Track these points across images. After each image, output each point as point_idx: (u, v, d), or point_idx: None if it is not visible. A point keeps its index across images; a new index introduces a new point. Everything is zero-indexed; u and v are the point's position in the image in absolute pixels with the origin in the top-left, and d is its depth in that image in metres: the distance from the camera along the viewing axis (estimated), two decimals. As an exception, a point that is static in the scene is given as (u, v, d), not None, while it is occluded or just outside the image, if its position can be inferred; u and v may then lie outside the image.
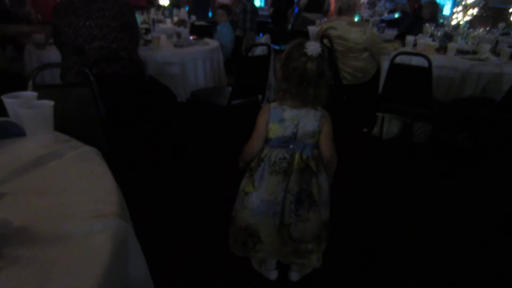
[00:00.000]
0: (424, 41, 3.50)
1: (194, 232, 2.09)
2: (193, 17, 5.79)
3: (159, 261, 1.52)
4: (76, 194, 0.91)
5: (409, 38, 3.65)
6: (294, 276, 1.75)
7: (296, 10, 7.38)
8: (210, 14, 7.27)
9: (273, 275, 1.76)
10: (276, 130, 1.50)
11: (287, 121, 1.49)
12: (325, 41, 3.79)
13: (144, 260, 0.87)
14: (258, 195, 1.53)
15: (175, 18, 5.35)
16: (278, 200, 1.52)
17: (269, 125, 1.51)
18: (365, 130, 3.67)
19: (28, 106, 1.16)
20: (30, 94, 1.27)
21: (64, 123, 1.26)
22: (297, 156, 1.51)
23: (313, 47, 1.39)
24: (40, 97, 1.24)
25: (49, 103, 1.16)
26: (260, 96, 3.22)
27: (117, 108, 2.35)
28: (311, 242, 1.57)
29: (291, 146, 1.51)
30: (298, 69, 1.42)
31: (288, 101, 1.48)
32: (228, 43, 4.62)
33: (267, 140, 1.54)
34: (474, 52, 3.40)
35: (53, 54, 2.91)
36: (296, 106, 1.48)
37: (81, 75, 2.31)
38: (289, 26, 7.28)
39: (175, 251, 1.93)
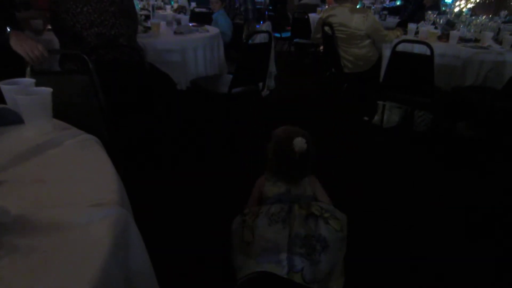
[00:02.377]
0: (426, 28, 3.47)
1: (196, 223, 2.09)
2: (193, 4, 5.72)
3: (161, 252, 1.51)
4: (76, 182, 0.90)
5: (411, 26, 3.61)
6: None
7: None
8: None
9: None
10: (272, 190, 1.66)
11: (279, 181, 1.67)
12: (327, 28, 3.75)
13: (145, 250, 0.85)
14: (260, 244, 1.52)
15: (175, 5, 5.29)
16: (280, 248, 1.51)
17: (264, 189, 1.68)
18: (366, 118, 3.66)
19: (26, 93, 1.14)
20: (28, 81, 1.25)
21: (63, 111, 1.24)
22: (296, 206, 1.58)
23: (300, 145, 1.55)
24: (38, 84, 1.22)
25: (48, 90, 1.14)
26: (260, 84, 3.20)
27: (117, 95, 2.33)
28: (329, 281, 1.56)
29: (287, 200, 1.62)
30: (287, 161, 1.61)
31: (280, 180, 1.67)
32: (225, 30, 4.56)
33: (263, 201, 1.67)
34: (476, 40, 3.37)
35: (51, 40, 2.88)
36: (287, 183, 1.67)
37: (80, 62, 2.29)
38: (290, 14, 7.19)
39: (177, 242, 1.93)
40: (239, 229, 1.61)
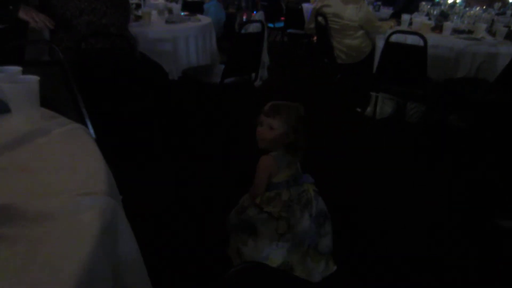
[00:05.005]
0: (420, 19, 3.46)
1: (188, 215, 2.08)
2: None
3: (151, 243, 1.51)
4: (63, 171, 0.88)
5: (405, 17, 3.60)
6: None
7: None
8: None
9: None
10: (285, 174, 1.59)
11: (291, 161, 1.61)
12: (320, 18, 3.73)
13: (135, 240, 0.84)
14: (294, 233, 1.57)
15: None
16: (306, 230, 1.58)
17: (279, 174, 1.59)
18: (358, 109, 3.66)
19: (12, 81, 1.11)
20: (15, 68, 1.22)
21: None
22: (309, 187, 1.62)
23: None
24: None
25: (35, 78, 1.11)
26: (253, 75, 3.18)
27: (107, 85, 2.30)
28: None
29: (301, 181, 1.63)
30: (305, 132, 1.57)
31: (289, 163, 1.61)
32: (217, 21, 4.52)
33: (280, 185, 1.59)
34: (470, 32, 3.37)
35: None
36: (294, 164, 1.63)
37: (69, 51, 2.25)
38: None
39: (168, 233, 1.92)
40: (270, 221, 1.58)
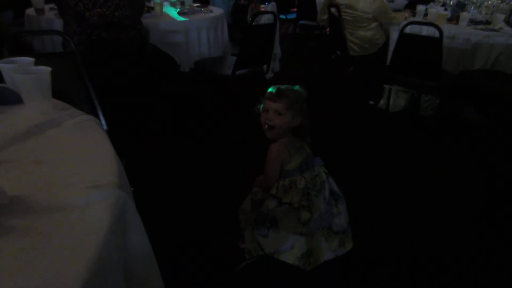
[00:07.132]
0: (436, 10, 3.38)
1: (198, 207, 2.08)
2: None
3: (162, 235, 1.50)
4: (74, 163, 0.88)
5: (420, 7, 3.53)
6: None
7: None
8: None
9: None
10: (297, 160, 1.54)
11: (301, 146, 1.56)
12: (333, 10, 3.68)
13: (145, 233, 0.84)
14: (315, 220, 1.55)
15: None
16: (322, 213, 1.57)
17: (291, 161, 1.53)
18: (371, 102, 3.61)
19: (24, 72, 1.11)
20: (27, 59, 1.22)
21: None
22: (321, 170, 1.59)
23: None
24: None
25: (47, 69, 1.11)
26: (265, 66, 3.15)
27: (119, 77, 2.30)
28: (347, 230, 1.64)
29: (312, 165, 1.58)
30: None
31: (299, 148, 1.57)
32: (224, 10, 4.46)
33: (293, 172, 1.55)
34: (487, 22, 3.29)
35: (52, 19, 2.85)
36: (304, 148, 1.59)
37: (82, 43, 2.25)
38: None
39: (178, 226, 1.93)
40: (292, 211, 1.55)
